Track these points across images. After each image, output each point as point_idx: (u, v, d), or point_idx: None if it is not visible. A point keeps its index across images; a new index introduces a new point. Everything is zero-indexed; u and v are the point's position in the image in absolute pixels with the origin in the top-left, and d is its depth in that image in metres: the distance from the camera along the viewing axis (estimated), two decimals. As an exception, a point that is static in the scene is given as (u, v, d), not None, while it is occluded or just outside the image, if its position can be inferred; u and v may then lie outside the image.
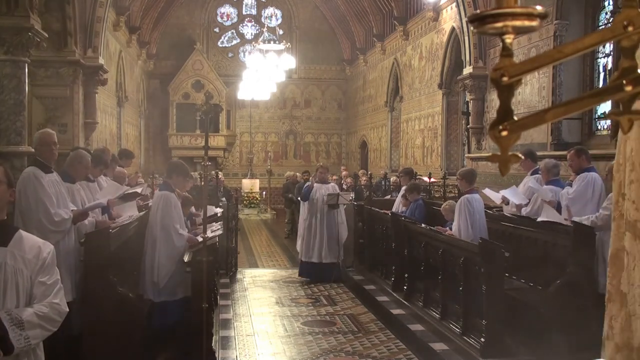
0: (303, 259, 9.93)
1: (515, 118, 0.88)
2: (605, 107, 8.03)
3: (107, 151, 7.73)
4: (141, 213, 6.62)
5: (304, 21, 24.97)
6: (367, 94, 22.72)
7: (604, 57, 9.77)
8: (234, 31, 25.21)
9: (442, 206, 7.62)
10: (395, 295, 7.93)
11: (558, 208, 6.39)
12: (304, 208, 10.13)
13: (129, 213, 6.26)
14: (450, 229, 6.88)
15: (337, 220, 9.87)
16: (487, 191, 7.93)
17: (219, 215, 8.29)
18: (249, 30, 25.21)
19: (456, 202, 7.19)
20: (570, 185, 6.58)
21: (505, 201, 7.43)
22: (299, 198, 10.43)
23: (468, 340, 5.74)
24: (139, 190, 6.72)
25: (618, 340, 2.48)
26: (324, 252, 9.72)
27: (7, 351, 2.41)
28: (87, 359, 4.92)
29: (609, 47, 9.40)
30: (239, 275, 10.36)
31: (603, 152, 8.07)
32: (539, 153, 8.06)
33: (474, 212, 6.57)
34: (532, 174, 7.32)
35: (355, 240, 10.14)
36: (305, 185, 10.23)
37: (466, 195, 6.70)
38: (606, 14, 9.80)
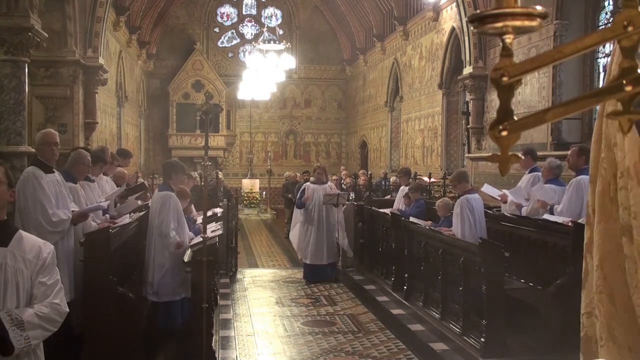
0: (304, 261, 9.92)
1: (515, 118, 0.88)
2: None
3: (107, 150, 7.73)
4: (141, 213, 6.62)
5: (304, 21, 24.95)
6: (367, 94, 22.71)
7: (604, 57, 9.76)
8: (234, 31, 25.19)
9: (437, 203, 7.63)
10: (395, 295, 7.92)
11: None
12: (297, 211, 10.07)
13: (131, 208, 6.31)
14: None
15: (334, 220, 9.86)
16: (486, 187, 7.90)
17: (219, 215, 8.29)
18: (249, 30, 25.20)
19: (454, 202, 7.18)
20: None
21: (504, 199, 7.41)
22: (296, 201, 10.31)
23: (468, 340, 5.73)
24: (140, 203, 6.73)
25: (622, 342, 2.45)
26: (325, 254, 9.70)
27: (7, 352, 2.41)
28: (87, 359, 4.92)
29: (609, 47, 9.38)
30: (239, 275, 10.36)
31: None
32: (539, 153, 8.05)
33: (474, 212, 6.57)
34: (530, 172, 7.30)
35: (355, 240, 10.14)
36: (300, 192, 10.08)
37: (466, 195, 6.69)
38: (606, 14, 9.80)
